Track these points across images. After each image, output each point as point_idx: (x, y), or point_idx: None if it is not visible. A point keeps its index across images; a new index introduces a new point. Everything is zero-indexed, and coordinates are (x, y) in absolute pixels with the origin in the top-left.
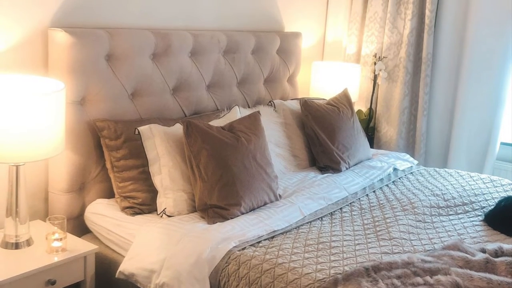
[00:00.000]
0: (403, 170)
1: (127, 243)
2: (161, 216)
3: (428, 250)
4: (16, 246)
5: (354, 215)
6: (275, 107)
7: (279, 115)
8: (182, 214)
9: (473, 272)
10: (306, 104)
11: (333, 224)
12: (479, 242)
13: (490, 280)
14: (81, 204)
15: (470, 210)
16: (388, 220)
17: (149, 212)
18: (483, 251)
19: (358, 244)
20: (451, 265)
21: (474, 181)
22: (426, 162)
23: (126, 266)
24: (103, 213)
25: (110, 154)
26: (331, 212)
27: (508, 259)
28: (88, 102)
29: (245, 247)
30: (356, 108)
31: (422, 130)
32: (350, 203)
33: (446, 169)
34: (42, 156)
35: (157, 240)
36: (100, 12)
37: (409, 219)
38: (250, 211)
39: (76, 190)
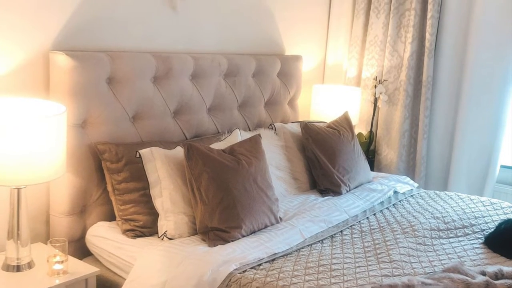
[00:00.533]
0: (404, 193)
1: (128, 266)
2: (162, 239)
3: (429, 273)
4: (18, 268)
5: (355, 237)
6: (275, 130)
7: (279, 138)
8: (183, 237)
9: None
10: (307, 127)
11: (334, 247)
12: (479, 265)
13: None
14: (82, 227)
15: (470, 232)
16: (388, 243)
17: (150, 235)
18: (483, 273)
19: (359, 266)
20: (451, 287)
21: (474, 204)
22: (426, 185)
23: None
24: (104, 236)
25: (111, 177)
26: (332, 235)
27: (508, 281)
28: (89, 125)
29: (245, 270)
30: (356, 131)
31: (422, 153)
32: (351, 226)
33: (447, 192)
34: (44, 179)
35: (158, 263)
36: (102, 36)
37: (410, 241)
38: (251, 233)
39: (77, 213)
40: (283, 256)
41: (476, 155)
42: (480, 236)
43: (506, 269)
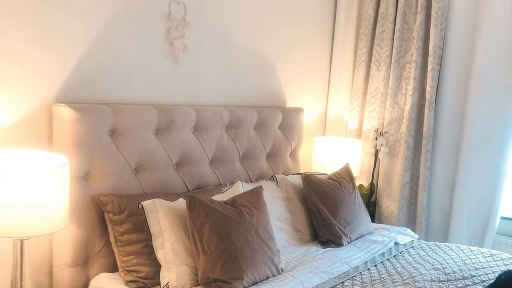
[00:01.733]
0: (404, 244)
1: None
2: None
3: None
4: None
5: None
6: (277, 182)
7: (281, 190)
8: None
9: None
10: (308, 178)
11: None
12: None
13: None
14: (85, 278)
15: (470, 284)
16: None
17: (153, 286)
18: None
19: None
20: None
21: (474, 255)
22: (427, 236)
23: None
24: (107, 287)
25: (114, 228)
26: (333, 286)
27: None
28: (92, 177)
29: None
30: (357, 183)
31: (423, 204)
32: (352, 277)
33: (447, 243)
34: (47, 230)
35: None
36: (104, 88)
37: None
38: (253, 285)
39: (80, 264)
40: None
41: (476, 207)
42: (480, 287)
43: None
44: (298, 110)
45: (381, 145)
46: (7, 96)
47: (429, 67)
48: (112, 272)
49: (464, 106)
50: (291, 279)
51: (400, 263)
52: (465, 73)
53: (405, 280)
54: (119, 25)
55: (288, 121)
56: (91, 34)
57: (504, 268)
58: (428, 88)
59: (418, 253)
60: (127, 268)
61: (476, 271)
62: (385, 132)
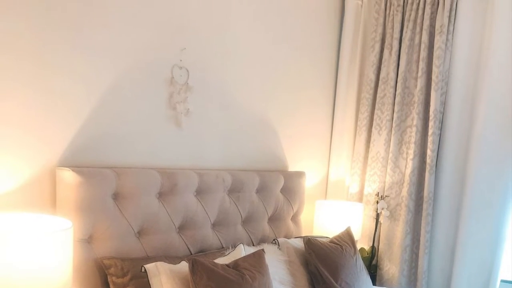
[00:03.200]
0: None
1: None
2: None
3: None
4: None
5: None
6: (279, 245)
7: (283, 253)
8: None
9: None
10: (310, 242)
11: None
12: None
13: None
14: None
15: None
16: None
17: None
18: None
19: None
20: None
21: None
22: None
23: None
24: None
25: None
26: None
27: None
28: (95, 240)
29: None
30: (358, 246)
31: (423, 268)
32: None
33: None
34: None
35: None
36: (107, 152)
37: None
38: None
39: None
40: None
41: (476, 270)
42: None
43: None
44: (299, 174)
45: (382, 209)
46: (11, 160)
47: (430, 131)
48: None
49: (465, 170)
50: None
51: None
52: (465, 137)
53: None
54: (122, 89)
55: (290, 185)
56: (94, 98)
57: None
58: (428, 152)
59: None
60: None
61: None
62: (386, 196)
